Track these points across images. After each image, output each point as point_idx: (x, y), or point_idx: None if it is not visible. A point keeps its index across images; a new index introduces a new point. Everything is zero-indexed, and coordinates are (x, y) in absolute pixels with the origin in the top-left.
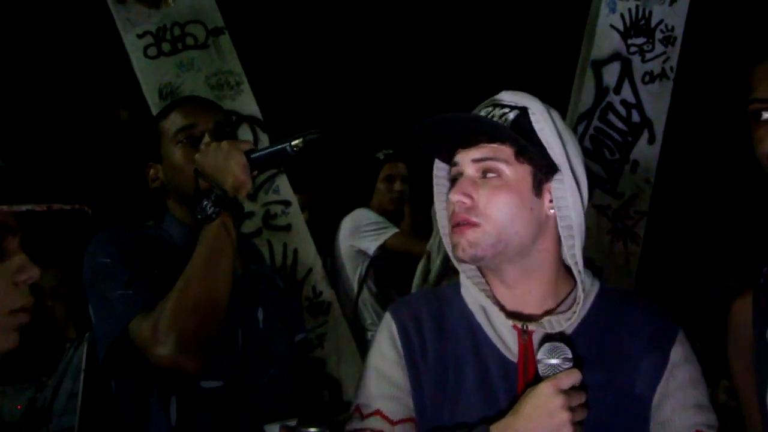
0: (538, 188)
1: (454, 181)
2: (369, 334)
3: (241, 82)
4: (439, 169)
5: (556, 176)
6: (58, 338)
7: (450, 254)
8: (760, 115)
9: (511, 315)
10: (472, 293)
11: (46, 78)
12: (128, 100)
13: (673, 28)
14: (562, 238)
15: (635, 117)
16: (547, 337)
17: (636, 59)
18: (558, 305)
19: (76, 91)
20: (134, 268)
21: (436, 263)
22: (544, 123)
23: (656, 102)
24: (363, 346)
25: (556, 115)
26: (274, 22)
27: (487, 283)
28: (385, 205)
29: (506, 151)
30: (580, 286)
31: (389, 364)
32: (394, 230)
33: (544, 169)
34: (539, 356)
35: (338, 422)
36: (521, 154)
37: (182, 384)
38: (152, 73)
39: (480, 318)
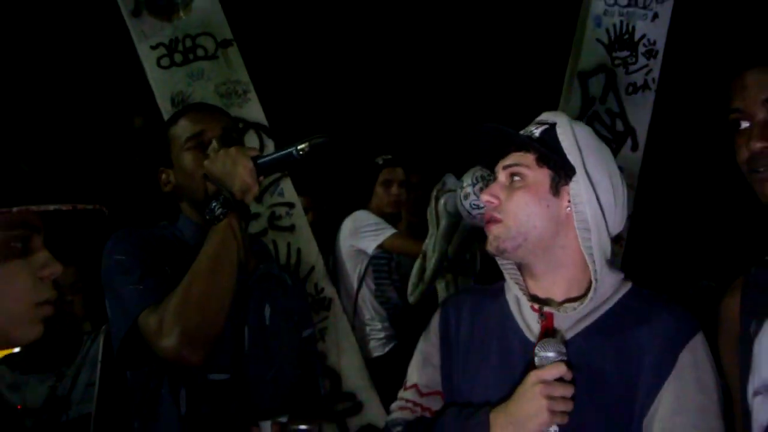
0: (556, 189)
1: None
2: (367, 328)
3: (248, 91)
4: None
5: (574, 178)
6: (77, 331)
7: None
8: (739, 124)
9: (536, 300)
10: (509, 286)
11: (65, 87)
12: (142, 108)
13: (655, 42)
14: (578, 233)
15: (619, 125)
16: (549, 333)
17: (620, 71)
18: (580, 296)
19: (94, 99)
20: (146, 266)
21: (432, 262)
22: (564, 135)
23: (639, 111)
24: (362, 339)
25: (579, 128)
26: (279, 34)
27: (523, 278)
28: (383, 207)
29: (529, 157)
30: (593, 276)
31: (429, 345)
32: (391, 231)
33: (563, 173)
34: (536, 348)
35: (337, 412)
36: (542, 160)
37: (191, 376)
38: (165, 82)
39: (512, 306)
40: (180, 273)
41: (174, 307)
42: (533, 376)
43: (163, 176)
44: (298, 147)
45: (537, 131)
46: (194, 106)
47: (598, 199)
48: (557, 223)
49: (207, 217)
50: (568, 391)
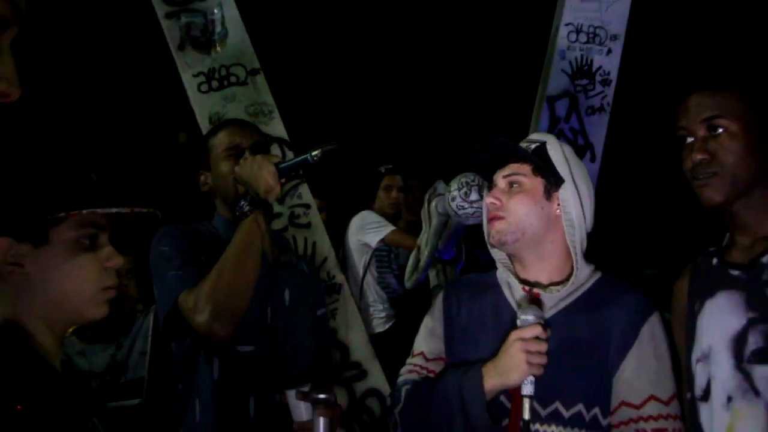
0: (549, 194)
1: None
2: (371, 309)
3: (272, 111)
4: None
5: (563, 186)
6: (132, 309)
7: (487, 242)
8: (685, 139)
9: (525, 283)
10: (501, 273)
11: (124, 110)
12: (185, 125)
13: (609, 73)
14: (566, 230)
15: (580, 141)
16: (531, 300)
17: (581, 96)
18: (562, 281)
19: (147, 119)
20: (186, 255)
21: (425, 254)
22: (554, 150)
23: (596, 129)
24: (366, 318)
25: (565, 146)
26: (298, 65)
27: (513, 266)
28: (384, 208)
29: (526, 168)
30: (575, 265)
31: (434, 320)
32: (391, 228)
33: (553, 182)
34: (518, 312)
35: (345, 378)
36: (536, 170)
37: (223, 348)
38: (204, 104)
39: (505, 290)
40: (214, 261)
41: (207, 289)
42: (514, 335)
43: (202, 178)
44: (312, 153)
45: (531, 147)
46: (232, 121)
47: (581, 203)
48: (548, 221)
49: (236, 213)
50: (543, 347)
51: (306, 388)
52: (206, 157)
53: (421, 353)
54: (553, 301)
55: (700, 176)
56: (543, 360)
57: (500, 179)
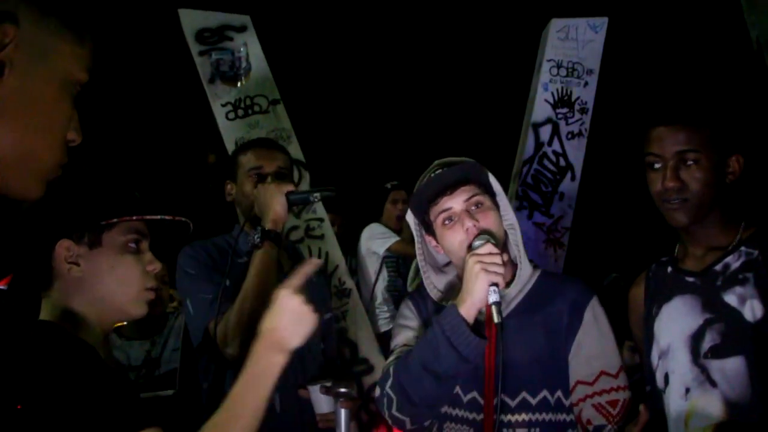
0: (496, 206)
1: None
2: (377, 311)
3: (290, 136)
4: (415, 223)
5: (498, 198)
6: (165, 310)
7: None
8: (653, 164)
9: None
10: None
11: (164, 135)
12: (214, 148)
13: (586, 103)
14: (508, 233)
15: (562, 162)
16: (483, 233)
17: (562, 123)
18: (510, 281)
19: (182, 143)
20: (210, 280)
21: None
22: (481, 168)
23: (576, 152)
24: (373, 318)
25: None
26: (314, 96)
27: None
28: (390, 221)
29: (476, 188)
30: (519, 265)
31: (406, 320)
32: (396, 238)
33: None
34: (472, 243)
35: (356, 372)
36: (485, 189)
37: None
38: (231, 130)
39: None
40: (235, 279)
41: (233, 323)
42: (469, 256)
43: (228, 187)
44: (314, 194)
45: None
46: (262, 142)
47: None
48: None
49: (250, 244)
50: (497, 259)
51: (328, 383)
52: (234, 170)
53: (402, 343)
54: (507, 300)
55: (671, 200)
56: (500, 269)
57: (460, 203)
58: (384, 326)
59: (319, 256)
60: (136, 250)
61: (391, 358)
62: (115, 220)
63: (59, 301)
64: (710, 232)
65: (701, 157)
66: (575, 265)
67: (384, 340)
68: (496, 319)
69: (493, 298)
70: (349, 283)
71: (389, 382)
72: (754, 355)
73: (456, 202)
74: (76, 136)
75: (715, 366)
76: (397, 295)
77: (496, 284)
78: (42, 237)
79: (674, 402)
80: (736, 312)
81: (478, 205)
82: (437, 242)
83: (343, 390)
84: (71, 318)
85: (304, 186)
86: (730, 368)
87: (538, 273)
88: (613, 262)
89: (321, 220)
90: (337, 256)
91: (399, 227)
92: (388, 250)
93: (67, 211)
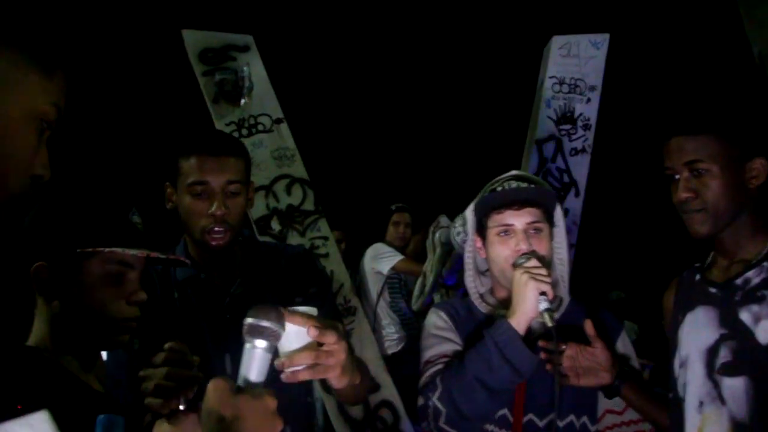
0: (551, 236)
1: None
2: (384, 332)
3: (294, 155)
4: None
5: (556, 229)
6: None
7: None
8: (673, 177)
9: None
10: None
11: (169, 156)
12: None
13: (589, 119)
14: (556, 266)
15: (566, 178)
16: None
17: (565, 139)
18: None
19: None
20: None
21: (430, 279)
22: (553, 197)
23: (579, 168)
24: (379, 340)
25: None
26: (318, 113)
27: None
28: (394, 241)
29: (540, 214)
30: (560, 294)
31: (441, 330)
32: (400, 257)
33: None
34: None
35: None
36: (548, 217)
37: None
38: None
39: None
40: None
41: None
42: (516, 269)
43: (168, 191)
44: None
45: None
46: (208, 144)
47: (567, 243)
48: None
49: None
50: (543, 270)
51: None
52: (175, 174)
53: (442, 354)
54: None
55: (688, 211)
56: (547, 279)
57: (522, 223)
58: (392, 347)
59: None
60: (116, 281)
61: (433, 369)
62: (89, 249)
63: (38, 328)
64: (739, 242)
65: (711, 165)
66: (579, 280)
67: (392, 362)
68: (549, 323)
69: (544, 305)
70: (354, 302)
71: (437, 393)
72: (759, 378)
73: (518, 220)
74: (44, 172)
75: (726, 383)
76: (401, 317)
77: (544, 293)
78: (18, 259)
79: (689, 413)
80: (749, 331)
81: (537, 230)
82: (482, 245)
83: (265, 324)
84: (56, 342)
85: (307, 204)
86: (737, 387)
87: (567, 300)
88: (618, 278)
89: (325, 238)
90: (342, 274)
91: (403, 246)
92: (393, 268)
93: (47, 237)
